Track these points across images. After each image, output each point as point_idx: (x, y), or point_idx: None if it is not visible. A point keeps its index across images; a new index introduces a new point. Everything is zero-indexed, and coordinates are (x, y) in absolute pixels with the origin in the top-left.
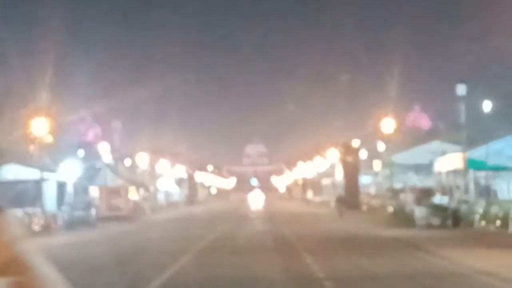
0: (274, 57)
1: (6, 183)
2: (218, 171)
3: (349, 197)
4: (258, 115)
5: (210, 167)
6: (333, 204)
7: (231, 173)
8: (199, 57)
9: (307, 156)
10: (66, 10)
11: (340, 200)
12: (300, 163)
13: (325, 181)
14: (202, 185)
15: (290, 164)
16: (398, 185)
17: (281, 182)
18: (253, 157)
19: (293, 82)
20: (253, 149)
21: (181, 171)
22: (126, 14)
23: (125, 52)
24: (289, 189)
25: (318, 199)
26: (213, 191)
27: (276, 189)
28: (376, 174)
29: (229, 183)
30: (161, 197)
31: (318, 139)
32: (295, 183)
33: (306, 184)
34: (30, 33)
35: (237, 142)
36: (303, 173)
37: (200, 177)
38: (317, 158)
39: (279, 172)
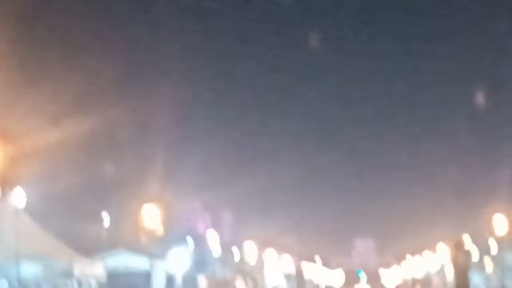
0: (382, 153)
1: (116, 273)
2: (326, 263)
3: None
4: (366, 208)
5: (317, 259)
6: None
7: (339, 265)
8: (307, 152)
9: (416, 251)
10: (175, 95)
11: None
12: (409, 258)
13: (435, 280)
14: (311, 282)
15: (399, 259)
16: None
17: (389, 277)
18: (361, 251)
19: (403, 177)
20: (362, 242)
21: (288, 263)
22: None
23: (233, 142)
24: (397, 286)
25: None
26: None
27: (383, 285)
28: (487, 274)
29: (337, 276)
30: None
31: (427, 234)
32: (405, 282)
33: (415, 283)
34: (138, 120)
35: (345, 235)
36: (412, 270)
37: (308, 270)
38: (427, 254)
39: (387, 267)
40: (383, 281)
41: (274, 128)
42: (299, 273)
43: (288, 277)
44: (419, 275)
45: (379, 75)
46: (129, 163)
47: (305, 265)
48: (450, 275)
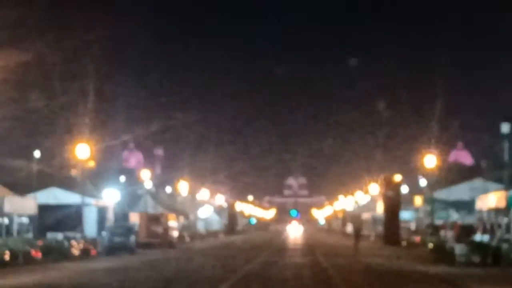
0: (316, 90)
1: (48, 207)
2: (258, 201)
3: (389, 232)
4: (299, 147)
5: (250, 197)
6: (372, 238)
7: (272, 204)
8: (242, 87)
9: (348, 189)
10: (108, 33)
11: (356, 234)
12: (340, 196)
13: (365, 215)
14: (242, 215)
15: (331, 197)
16: (439, 222)
17: (321, 215)
18: (294, 189)
19: (335, 115)
20: (294, 181)
21: (221, 200)
22: (169, 39)
23: (167, 77)
24: (328, 222)
25: None
26: (253, 221)
27: (316, 222)
28: (417, 209)
29: (269, 214)
30: (200, 225)
31: (359, 173)
32: (335, 216)
33: (345, 218)
34: (72, 56)
35: (277, 173)
36: (343, 206)
37: (240, 206)
38: (358, 192)
39: (319, 205)
40: (315, 217)
41: (208, 64)
42: (231, 207)
43: (219, 211)
44: (349, 209)
45: None
46: (62, 99)
47: (237, 203)
48: (380, 209)
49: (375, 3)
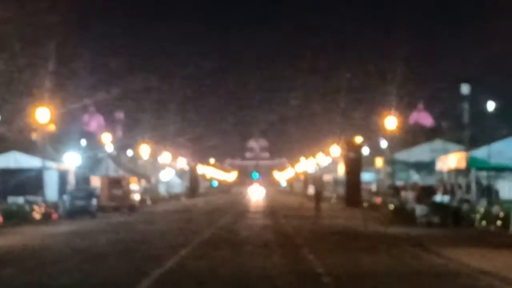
0: (277, 52)
1: (8, 171)
2: (220, 164)
3: (350, 194)
4: (260, 110)
5: (212, 160)
6: (333, 200)
7: (233, 167)
8: (202, 48)
9: (309, 151)
10: None
11: (317, 196)
12: (302, 159)
13: (327, 177)
14: (204, 177)
15: (292, 159)
16: (399, 183)
17: (283, 177)
18: (255, 151)
19: (296, 78)
20: (256, 143)
21: (183, 163)
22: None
23: (128, 40)
24: (290, 184)
25: None
26: (215, 184)
27: (277, 184)
28: (378, 171)
29: (231, 176)
30: (162, 189)
31: (320, 135)
32: (297, 178)
33: (307, 180)
34: (32, 19)
35: (239, 136)
36: (305, 168)
37: (201, 169)
38: (319, 154)
39: (281, 167)
40: (277, 179)
41: (170, 24)
42: (193, 170)
43: (181, 173)
44: (310, 171)
45: None
46: (21, 62)
47: (199, 166)
48: (341, 171)
49: None
